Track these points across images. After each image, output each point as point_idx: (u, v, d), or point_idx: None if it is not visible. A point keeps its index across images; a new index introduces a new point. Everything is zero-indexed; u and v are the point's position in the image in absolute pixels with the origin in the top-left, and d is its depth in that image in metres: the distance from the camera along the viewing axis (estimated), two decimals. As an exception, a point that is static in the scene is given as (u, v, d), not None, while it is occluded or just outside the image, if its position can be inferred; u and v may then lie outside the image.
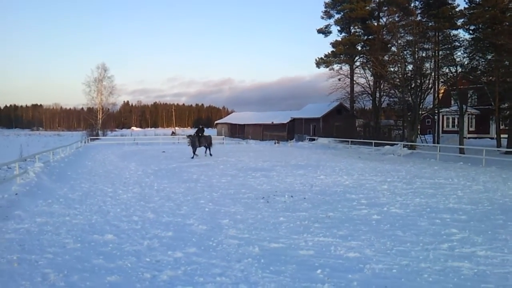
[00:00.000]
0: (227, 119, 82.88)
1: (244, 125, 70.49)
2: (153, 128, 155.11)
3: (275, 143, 50.17)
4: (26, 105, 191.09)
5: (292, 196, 12.60)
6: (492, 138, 43.55)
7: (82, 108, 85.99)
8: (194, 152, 27.33)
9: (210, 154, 28.61)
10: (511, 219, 9.75)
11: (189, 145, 28.34)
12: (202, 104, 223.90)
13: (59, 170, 18.45)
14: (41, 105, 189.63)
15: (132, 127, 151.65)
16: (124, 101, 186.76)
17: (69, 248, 7.12)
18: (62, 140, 53.50)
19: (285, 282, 5.68)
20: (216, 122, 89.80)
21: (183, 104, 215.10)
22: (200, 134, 28.42)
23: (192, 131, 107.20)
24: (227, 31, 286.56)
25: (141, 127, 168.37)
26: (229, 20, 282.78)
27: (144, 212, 10.19)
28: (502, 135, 35.16)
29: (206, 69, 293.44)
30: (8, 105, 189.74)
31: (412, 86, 39.27)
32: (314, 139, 50.78)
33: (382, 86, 46.51)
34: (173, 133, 79.04)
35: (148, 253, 6.93)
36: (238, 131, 71.99)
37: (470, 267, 6.40)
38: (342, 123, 52.37)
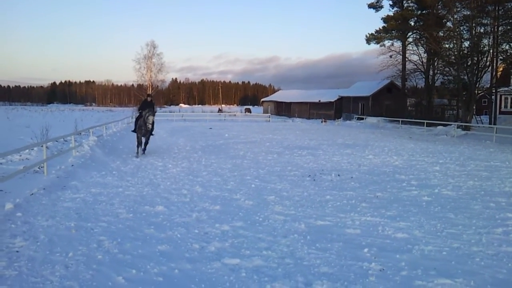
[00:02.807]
0: (273, 97, 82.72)
1: (291, 103, 70.09)
2: (200, 105, 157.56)
3: (321, 121, 49.63)
4: (80, 81, 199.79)
5: (339, 175, 12.46)
6: (554, 120, 40.94)
7: (133, 85, 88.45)
8: (137, 146, 16.11)
9: (143, 150, 16.44)
10: None
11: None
12: (249, 82, 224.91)
13: (111, 144, 19.19)
14: (93, 81, 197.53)
15: (180, 104, 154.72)
16: (172, 78, 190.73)
17: (122, 218, 7.44)
18: (114, 116, 55.52)
19: (331, 259, 5.67)
20: (262, 100, 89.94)
21: (230, 81, 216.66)
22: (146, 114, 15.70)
23: (237, 109, 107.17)
24: (272, 8, 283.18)
25: (188, 104, 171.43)
26: (275, 4, 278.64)
27: (193, 186, 10.44)
28: None
29: (251, 47, 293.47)
30: (63, 81, 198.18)
31: (468, 64, 37.34)
32: (362, 118, 49.77)
33: (436, 64, 44.58)
34: (220, 110, 79.85)
35: (197, 225, 7.12)
36: (284, 109, 71.75)
37: (527, 253, 6.11)
38: (392, 102, 50.92)
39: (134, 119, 18.53)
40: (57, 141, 17.43)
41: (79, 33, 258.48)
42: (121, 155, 16.07)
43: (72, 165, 12.25)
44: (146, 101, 16.42)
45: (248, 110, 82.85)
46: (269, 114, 58.10)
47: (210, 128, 33.93)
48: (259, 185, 10.78)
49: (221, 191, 9.99)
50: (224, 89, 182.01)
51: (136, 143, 16.16)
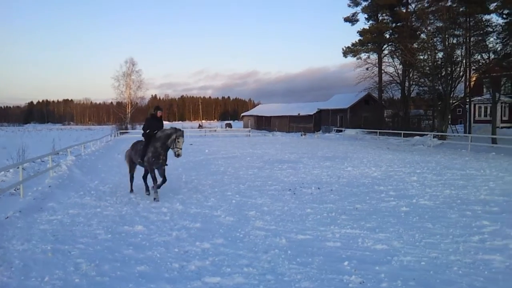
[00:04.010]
0: (253, 111, 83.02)
1: (271, 117, 70.43)
2: (180, 121, 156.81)
3: (301, 135, 49.95)
4: (58, 100, 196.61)
5: (319, 188, 12.54)
6: (526, 127, 42.13)
7: (112, 103, 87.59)
8: (131, 179, 12.19)
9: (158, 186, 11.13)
10: (547, 210, 9.44)
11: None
12: (229, 97, 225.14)
13: (90, 163, 18.92)
14: (71, 100, 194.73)
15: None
16: (152, 95, 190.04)
17: (101, 239, 7.32)
18: (93, 134, 54.84)
19: (312, 274, 5.69)
20: (242, 114, 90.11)
21: (210, 97, 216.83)
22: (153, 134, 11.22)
23: (218, 124, 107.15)
24: (251, 23, 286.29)
25: (168, 120, 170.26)
26: (252, 12, 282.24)
27: (173, 203, 10.36)
28: (537, 124, 33.93)
29: (231, 62, 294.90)
30: (40, 100, 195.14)
31: (443, 74, 38.30)
32: (341, 131, 50.30)
33: (411, 75, 45.59)
34: (200, 126, 79.68)
35: (177, 243, 7.05)
36: (264, 123, 72.01)
37: (502, 260, 6.24)
38: (370, 114, 51.68)
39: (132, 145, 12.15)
40: (34, 162, 17.11)
41: (57, 52, 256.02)
42: (99, 174, 15.85)
43: (49, 186, 12.03)
44: (154, 117, 11.38)
45: (229, 125, 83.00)
46: (250, 129, 58.27)
47: (191, 144, 33.76)
48: (239, 201, 10.77)
49: (201, 208, 9.94)
50: (204, 105, 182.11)
51: (130, 175, 12.12)
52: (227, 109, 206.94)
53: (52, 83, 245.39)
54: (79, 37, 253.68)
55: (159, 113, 11.53)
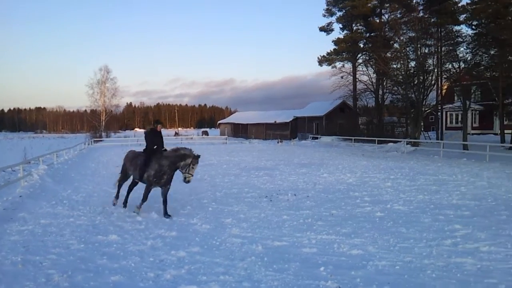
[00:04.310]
0: (230, 119, 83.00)
1: (247, 124, 70.53)
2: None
3: (278, 142, 50.14)
4: (30, 108, 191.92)
5: (295, 195, 12.60)
6: (496, 134, 43.42)
7: (85, 110, 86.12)
8: (117, 191, 11.17)
9: (167, 214, 9.74)
10: (515, 214, 9.72)
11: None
12: (205, 104, 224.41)
13: (63, 172, 18.52)
14: (44, 108, 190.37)
15: (135, 128, 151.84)
16: (127, 103, 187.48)
17: (73, 249, 7.15)
18: (66, 143, 53.68)
19: (288, 280, 5.69)
20: (219, 122, 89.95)
21: (186, 104, 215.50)
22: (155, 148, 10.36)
23: (194, 132, 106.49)
24: (228, 31, 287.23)
25: (144, 128, 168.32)
26: (229, 20, 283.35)
27: (148, 212, 10.19)
28: (506, 131, 35.00)
29: (207, 70, 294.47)
30: (11, 108, 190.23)
31: (415, 82, 39.20)
32: (317, 138, 50.76)
33: (385, 83, 46.47)
34: (177, 134, 79.12)
35: (152, 252, 6.95)
36: (241, 131, 72.02)
37: (474, 262, 6.39)
38: (345, 121, 52.36)
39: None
40: (4, 171, 16.67)
41: (28, 59, 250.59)
42: (73, 183, 15.52)
43: (20, 196, 11.71)
44: (154, 131, 10.52)
45: (205, 133, 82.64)
46: (226, 136, 58.19)
47: (166, 152, 33.48)
48: (216, 208, 10.71)
49: (177, 216, 9.83)
50: (180, 113, 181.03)
51: (117, 183, 11.08)
52: (203, 116, 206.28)
53: (23, 91, 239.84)
54: (52, 44, 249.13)
55: (159, 127, 10.70)
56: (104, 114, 63.48)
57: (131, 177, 10.90)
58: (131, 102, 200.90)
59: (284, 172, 18.66)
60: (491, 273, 5.98)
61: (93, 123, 64.75)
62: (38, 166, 17.62)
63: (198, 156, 9.89)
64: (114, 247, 7.25)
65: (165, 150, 10.27)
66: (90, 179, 16.65)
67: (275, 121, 63.35)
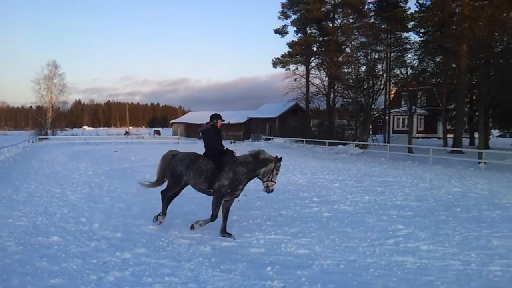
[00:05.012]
0: (183, 119, 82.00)
1: (201, 124, 69.65)
2: (106, 128, 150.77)
3: (230, 142, 50.13)
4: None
5: (245, 195, 12.57)
6: (439, 138, 45.59)
7: (31, 107, 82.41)
8: (166, 204, 8.59)
9: (226, 233, 8.05)
10: (453, 214, 10.25)
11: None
12: (158, 103, 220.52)
13: (3, 170, 17.62)
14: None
15: (84, 127, 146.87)
16: (75, 100, 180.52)
17: (11, 251, 6.79)
18: (9, 140, 51.00)
19: (235, 280, 5.68)
20: (172, 121, 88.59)
21: (138, 103, 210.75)
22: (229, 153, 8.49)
23: (146, 131, 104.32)
24: (182, 29, 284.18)
25: (93, 126, 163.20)
26: (184, 18, 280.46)
27: (93, 213, 9.88)
28: (448, 135, 36.84)
29: (161, 68, 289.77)
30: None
31: (365, 87, 40.47)
32: (270, 139, 51.21)
33: (336, 87, 47.62)
34: (127, 133, 77.23)
35: (95, 254, 6.72)
36: (194, 131, 71.29)
37: (414, 261, 6.65)
38: (298, 123, 53.15)
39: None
40: None
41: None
42: (13, 182, 14.76)
43: (-47, 196, 11.00)
44: (215, 128, 8.92)
45: (158, 132, 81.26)
46: (179, 136, 57.50)
47: (116, 151, 32.63)
48: (165, 209, 10.51)
49: (124, 217, 9.59)
50: (132, 111, 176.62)
51: (164, 195, 8.53)
52: (156, 115, 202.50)
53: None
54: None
55: (219, 123, 8.91)
56: (50, 111, 60.84)
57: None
58: (80, 99, 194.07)
59: (236, 172, 18.62)
60: (429, 270, 6.25)
61: (39, 120, 61.87)
62: (-25, 164, 16.66)
63: (281, 159, 8.27)
64: (55, 249, 6.95)
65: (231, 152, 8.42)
66: (32, 178, 15.91)
67: (229, 122, 63.18)
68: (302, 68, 53.26)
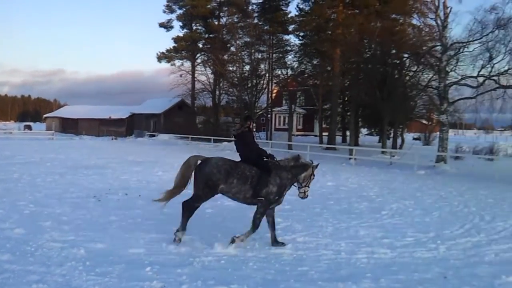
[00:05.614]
0: (58, 113, 76.05)
1: (78, 119, 65.57)
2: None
3: (112, 139, 47.90)
4: None
5: (126, 194, 12.18)
6: (316, 136, 48.76)
7: None
8: (185, 220, 7.54)
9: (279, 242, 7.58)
10: (327, 207, 11.07)
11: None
12: (29, 96, 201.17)
13: None
14: None
15: None
16: None
17: None
18: None
19: (111, 283, 5.43)
20: (45, 116, 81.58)
21: (6, 94, 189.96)
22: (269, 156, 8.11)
23: (15, 125, 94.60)
24: (58, 17, 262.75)
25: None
26: (60, 6, 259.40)
27: None
28: (324, 133, 39.64)
29: (33, 58, 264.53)
30: None
31: (249, 85, 41.66)
32: (154, 135, 49.99)
33: (221, 84, 48.19)
34: (-8, 127, 69.33)
35: None
36: (71, 126, 66.59)
37: (290, 252, 7.04)
38: (183, 119, 52.69)
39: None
40: None
41: None
42: None
43: None
44: (250, 132, 8.38)
45: (28, 127, 74.23)
46: (53, 132, 53.19)
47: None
48: (34, 211, 9.65)
49: (-16, 221, 8.57)
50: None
51: (191, 206, 7.75)
52: (27, 109, 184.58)
53: None
54: None
55: (252, 125, 8.38)
56: None
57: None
58: None
59: (117, 170, 17.87)
60: (304, 261, 6.66)
61: None
62: None
63: (317, 165, 8.10)
64: None
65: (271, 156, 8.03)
66: None
67: (110, 117, 60.29)
68: (188, 64, 52.98)
